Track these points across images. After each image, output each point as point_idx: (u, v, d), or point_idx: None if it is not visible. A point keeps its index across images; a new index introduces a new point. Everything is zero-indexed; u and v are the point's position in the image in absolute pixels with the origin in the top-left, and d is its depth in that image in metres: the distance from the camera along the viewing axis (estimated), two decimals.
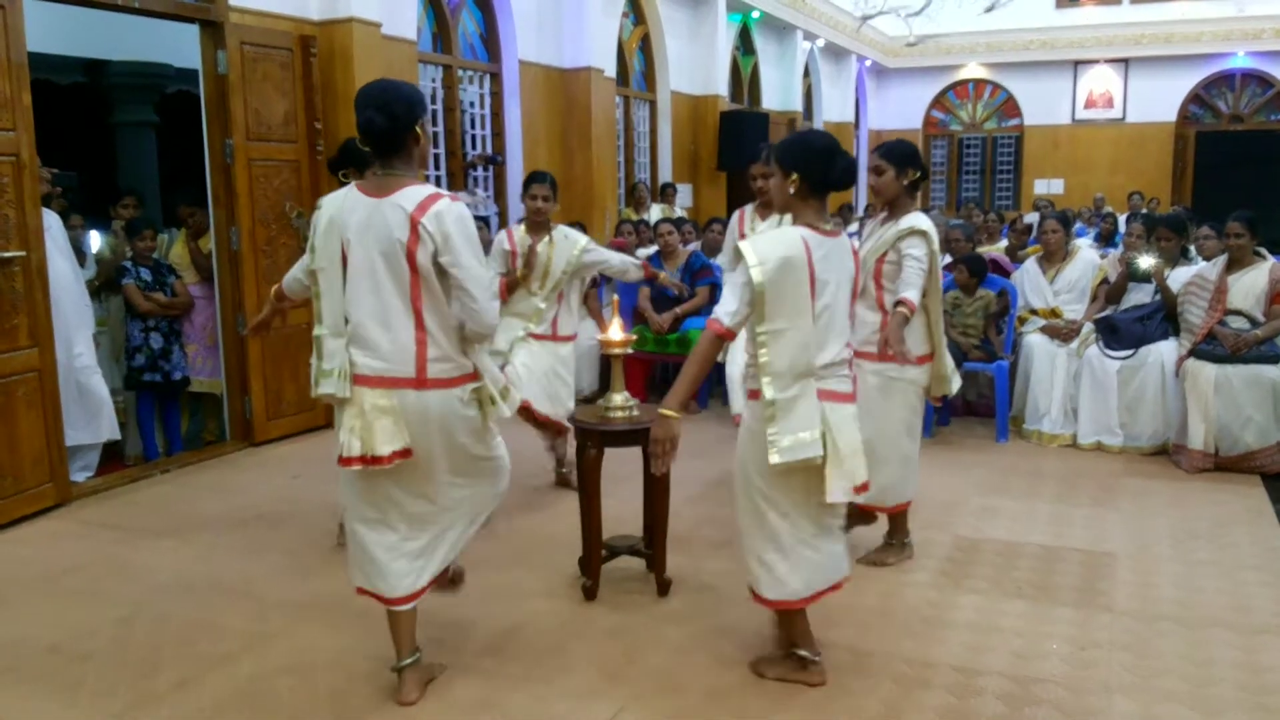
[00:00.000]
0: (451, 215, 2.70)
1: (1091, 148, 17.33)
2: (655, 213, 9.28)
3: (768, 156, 3.86)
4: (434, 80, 7.65)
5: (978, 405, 6.34)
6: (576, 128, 8.77)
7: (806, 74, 14.83)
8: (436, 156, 7.66)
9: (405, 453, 2.75)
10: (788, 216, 2.96)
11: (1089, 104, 17.43)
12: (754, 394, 2.85)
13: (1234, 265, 5.33)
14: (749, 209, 4.56)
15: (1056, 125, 17.61)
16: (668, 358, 6.73)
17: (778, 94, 13.82)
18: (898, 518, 3.97)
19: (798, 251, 2.76)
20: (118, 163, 9.03)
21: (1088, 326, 5.81)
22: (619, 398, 3.60)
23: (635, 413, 3.59)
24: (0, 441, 4.42)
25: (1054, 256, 6.14)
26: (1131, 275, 5.78)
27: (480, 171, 8.28)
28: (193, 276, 5.86)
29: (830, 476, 2.80)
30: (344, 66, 6.08)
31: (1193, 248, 6.32)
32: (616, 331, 3.56)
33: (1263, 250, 5.37)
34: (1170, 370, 5.37)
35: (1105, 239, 10.55)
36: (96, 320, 5.37)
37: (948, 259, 6.25)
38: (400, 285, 2.71)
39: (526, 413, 4.55)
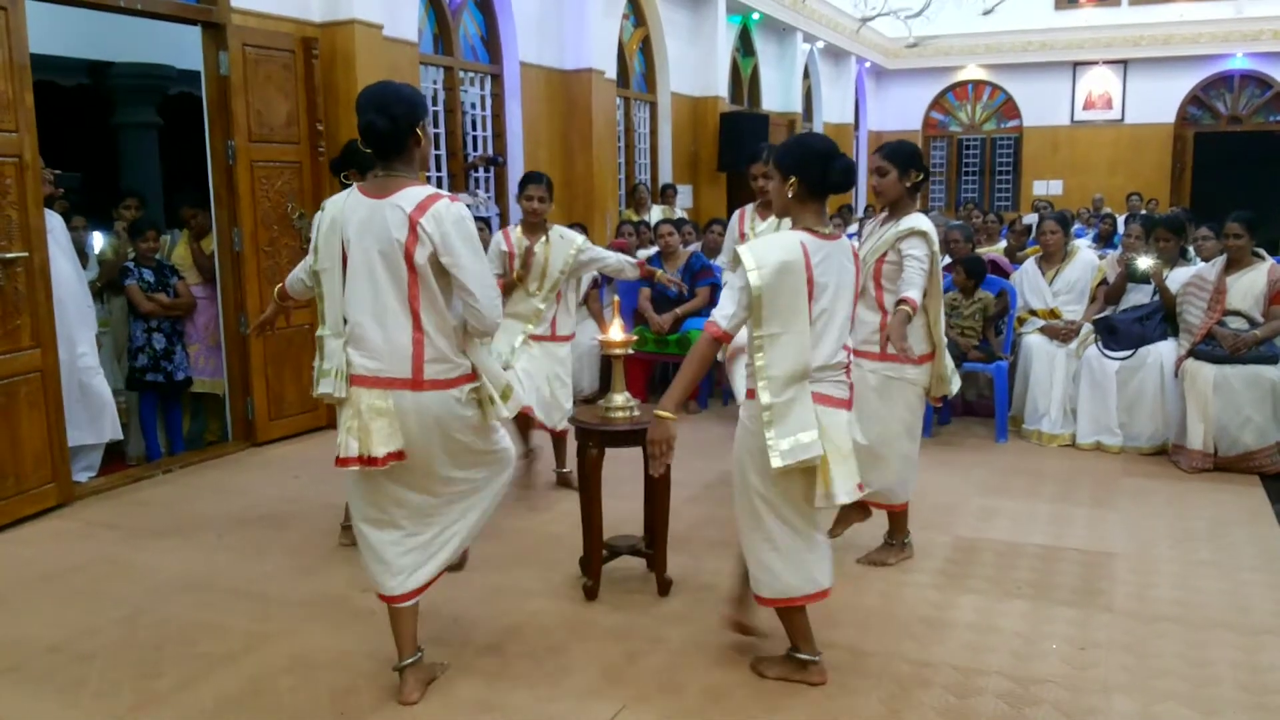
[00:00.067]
0: (450, 215, 2.71)
1: (1090, 149, 17.34)
2: (656, 214, 9.28)
3: (767, 156, 3.88)
4: (435, 82, 7.66)
5: (977, 405, 6.35)
6: (577, 129, 8.78)
7: (806, 75, 14.84)
8: (438, 158, 7.67)
9: (399, 455, 2.76)
10: (787, 220, 2.97)
11: (1088, 105, 17.44)
12: (750, 393, 2.86)
13: (1233, 266, 5.34)
14: (749, 209, 4.56)
15: (1055, 126, 17.62)
16: (668, 358, 6.75)
17: (778, 95, 13.84)
18: (897, 517, 3.98)
19: (795, 256, 2.77)
20: (120, 164, 9.03)
21: (1087, 327, 5.82)
22: (620, 398, 3.61)
23: (636, 413, 3.60)
24: (3, 441, 4.43)
25: (1053, 257, 6.14)
26: (1130, 276, 5.79)
27: (481, 173, 8.28)
28: (195, 277, 5.88)
29: (836, 477, 2.81)
30: (345, 68, 6.10)
31: (1191, 248, 6.33)
32: (617, 332, 3.57)
33: (1261, 251, 5.38)
34: (1169, 371, 5.38)
35: (1104, 240, 10.56)
36: (99, 321, 5.38)
37: (947, 260, 6.26)
38: (398, 286, 2.72)
39: (523, 418, 4.58)
